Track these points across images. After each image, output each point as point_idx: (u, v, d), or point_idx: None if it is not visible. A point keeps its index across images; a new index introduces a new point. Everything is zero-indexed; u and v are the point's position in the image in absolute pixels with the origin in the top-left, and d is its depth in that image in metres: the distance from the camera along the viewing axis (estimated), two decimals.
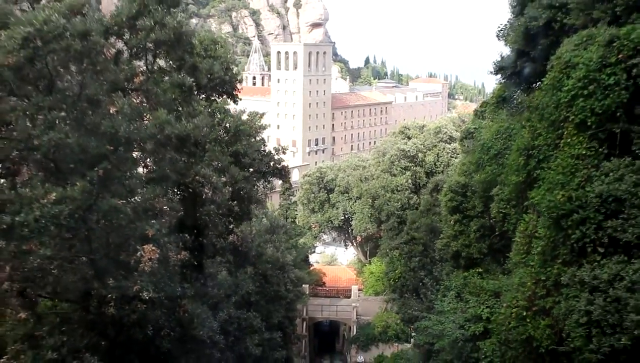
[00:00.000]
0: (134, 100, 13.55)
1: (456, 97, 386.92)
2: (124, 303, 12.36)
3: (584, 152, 14.76)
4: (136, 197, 12.37)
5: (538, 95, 17.81)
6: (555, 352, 14.99)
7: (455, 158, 73.43)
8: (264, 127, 29.07)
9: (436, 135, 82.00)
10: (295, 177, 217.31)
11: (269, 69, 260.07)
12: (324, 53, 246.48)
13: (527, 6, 20.75)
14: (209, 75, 21.51)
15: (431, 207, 40.23)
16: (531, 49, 20.69)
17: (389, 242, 69.69)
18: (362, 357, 62.63)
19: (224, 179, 18.28)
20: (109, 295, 11.99)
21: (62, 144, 10.63)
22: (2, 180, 11.59)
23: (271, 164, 27.53)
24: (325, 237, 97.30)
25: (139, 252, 12.18)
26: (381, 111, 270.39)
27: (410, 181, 77.34)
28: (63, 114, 11.28)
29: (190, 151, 14.68)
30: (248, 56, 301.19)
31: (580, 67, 14.82)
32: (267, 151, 28.14)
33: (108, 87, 12.11)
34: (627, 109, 14.41)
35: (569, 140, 15.10)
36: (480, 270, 29.43)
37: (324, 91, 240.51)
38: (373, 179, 79.75)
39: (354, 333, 66.71)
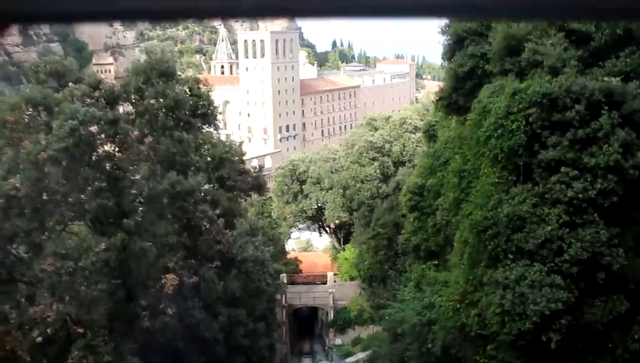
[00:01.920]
0: (145, 154, 17.47)
1: (424, 76, 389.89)
2: (153, 317, 16.45)
3: (496, 180, 19.10)
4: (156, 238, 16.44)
5: (466, 127, 22.12)
6: (482, 335, 19.45)
7: (420, 147, 77.98)
8: (243, 154, 32.96)
9: (401, 126, 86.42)
10: (267, 164, 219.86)
11: (237, 57, 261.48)
12: (291, 40, 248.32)
13: (456, 54, 25.06)
14: (195, 112, 25.38)
15: (394, 205, 44.63)
16: (461, 87, 24.97)
17: (361, 229, 74.25)
18: (339, 340, 66.93)
19: (217, 212, 22.36)
20: (143, 312, 16.06)
21: (104, 206, 14.58)
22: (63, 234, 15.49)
23: (249, 180, 31.59)
24: (300, 225, 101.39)
25: (163, 280, 16.32)
26: (350, 95, 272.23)
27: (378, 171, 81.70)
28: (104, 184, 15.29)
29: (195, 200, 18.74)
30: (215, 45, 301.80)
31: (492, 114, 19.12)
32: (245, 169, 32.20)
33: (132, 158, 16.10)
34: (528, 147, 18.74)
35: (486, 170, 19.46)
36: (436, 262, 33.86)
37: (292, 78, 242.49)
38: (343, 170, 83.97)
39: (332, 317, 70.90)
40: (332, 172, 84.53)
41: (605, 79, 18.75)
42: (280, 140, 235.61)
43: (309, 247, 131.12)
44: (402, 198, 37.72)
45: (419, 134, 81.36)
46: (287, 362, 63.50)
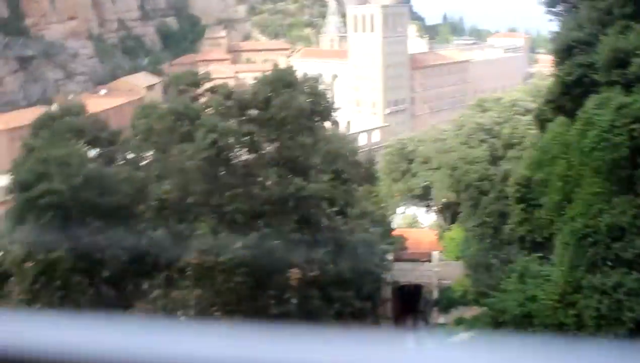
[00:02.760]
0: (272, 159, 19.69)
1: (538, 51, 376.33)
2: (278, 305, 18.78)
3: (598, 190, 20.09)
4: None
5: (571, 134, 23.05)
6: (578, 334, 20.64)
7: (531, 130, 77.21)
8: (356, 149, 34.81)
9: (512, 108, 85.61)
10: (375, 138, 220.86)
11: (346, 30, 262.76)
12: (401, 14, 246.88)
13: (564, 62, 25.74)
14: (313, 110, 27.41)
15: (500, 194, 45.41)
16: (568, 93, 25.61)
17: (468, 210, 74.84)
18: (443, 319, 68.24)
19: (335, 209, 24.47)
20: (271, 301, 18.43)
21: (240, 209, 16.94)
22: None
23: (362, 171, 33.54)
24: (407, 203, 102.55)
25: (288, 273, 18.63)
26: (460, 70, 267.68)
27: (487, 153, 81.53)
28: (240, 190, 17.62)
29: (317, 201, 20.92)
30: (324, 18, 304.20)
31: (597, 126, 20.04)
32: (358, 161, 34.15)
33: (262, 164, 18.33)
34: (630, 160, 19.58)
35: (588, 179, 20.47)
36: (541, 255, 34.72)
37: (402, 52, 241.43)
38: (452, 150, 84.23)
39: (435, 296, 72.25)
40: (440, 153, 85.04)
41: None
42: (389, 114, 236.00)
43: (415, 222, 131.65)
44: (510, 189, 38.55)
45: (530, 117, 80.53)
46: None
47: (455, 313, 67.72)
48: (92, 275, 18.86)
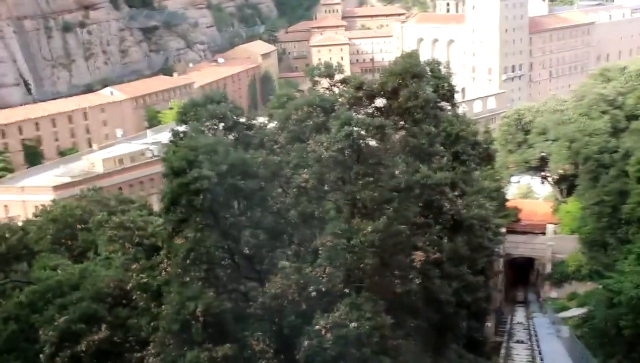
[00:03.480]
0: (399, 146, 21.18)
1: None
2: (403, 284, 20.53)
3: None
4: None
5: None
6: None
7: None
8: (476, 130, 35.72)
9: (638, 77, 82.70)
10: (491, 105, 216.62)
11: None
12: None
13: None
14: (435, 91, 28.47)
15: (620, 172, 44.93)
16: None
17: (586, 184, 73.67)
18: (555, 293, 68.17)
19: (456, 193, 25.80)
20: (396, 281, 20.19)
21: (371, 196, 18.76)
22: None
23: (481, 151, 34.46)
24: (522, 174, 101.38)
25: (413, 255, 20.26)
26: (583, 33, 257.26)
27: (609, 125, 79.37)
28: (370, 178, 19.33)
29: (441, 188, 22.33)
30: None
31: None
32: (477, 141, 35.08)
33: (390, 153, 19.92)
34: None
35: None
36: None
37: (521, 15, 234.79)
38: (571, 122, 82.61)
39: (549, 270, 72.00)
40: (558, 124, 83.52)
41: None
42: (506, 80, 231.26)
43: (529, 193, 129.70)
44: (631, 168, 38.49)
45: None
46: (502, 310, 66.11)
47: (568, 288, 67.51)
48: (232, 252, 21.25)
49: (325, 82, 23.63)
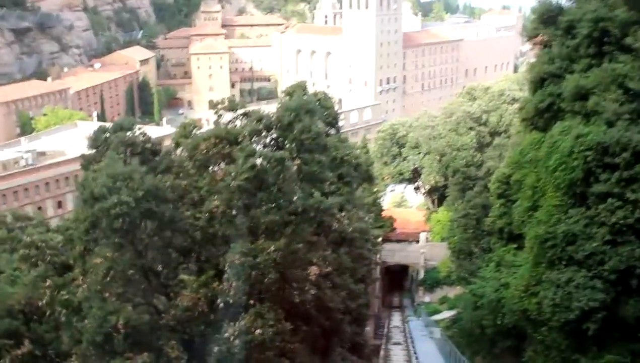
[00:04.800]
0: (295, 174, 24.16)
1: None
2: (300, 295, 23.59)
3: (558, 203, 24.83)
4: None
5: (540, 151, 27.77)
6: (538, 319, 25.58)
7: (516, 119, 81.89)
8: (357, 154, 39.43)
9: (500, 97, 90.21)
10: (367, 116, 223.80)
11: (341, 6, 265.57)
12: None
13: (537, 90, 30.31)
14: (324, 120, 31.91)
15: (483, 188, 50.26)
16: (541, 115, 30.38)
17: (455, 194, 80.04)
18: (428, 298, 73.47)
19: (343, 214, 29.15)
20: (294, 292, 23.19)
21: (273, 220, 21.71)
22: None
23: (362, 173, 38.16)
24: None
25: (308, 270, 23.38)
26: (452, 48, 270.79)
27: (474, 140, 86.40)
28: (272, 204, 22.26)
29: (331, 211, 25.59)
30: None
31: (560, 151, 24.76)
32: (359, 163, 38.77)
33: (289, 181, 22.86)
34: (584, 180, 24.32)
35: (550, 194, 25.26)
36: (516, 245, 39.63)
37: (395, 30, 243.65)
38: (441, 137, 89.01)
39: (422, 276, 77.43)
40: (430, 139, 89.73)
41: None
42: (381, 92, 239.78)
43: (403, 201, 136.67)
44: (492, 185, 43.31)
45: (516, 105, 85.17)
46: (379, 315, 70.54)
47: (439, 292, 73.15)
48: (145, 270, 23.57)
49: (228, 115, 26.36)
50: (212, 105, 27.01)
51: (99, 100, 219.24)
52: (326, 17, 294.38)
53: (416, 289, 79.26)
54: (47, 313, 25.23)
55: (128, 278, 22.75)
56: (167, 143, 32.65)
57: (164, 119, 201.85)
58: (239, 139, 23.92)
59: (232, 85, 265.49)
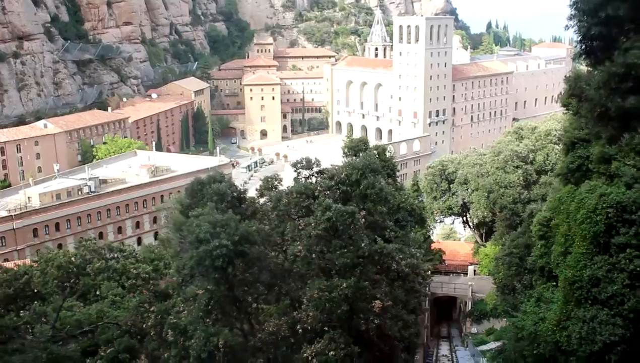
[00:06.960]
0: (361, 224, 29.15)
1: (581, 62, 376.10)
2: (365, 324, 28.44)
3: (584, 251, 29.25)
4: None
5: (571, 206, 32.23)
6: (568, 350, 29.92)
7: (562, 158, 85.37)
8: (414, 202, 44.38)
9: (546, 137, 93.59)
10: (416, 147, 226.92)
11: (391, 39, 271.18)
12: (445, 25, 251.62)
13: (569, 153, 34.92)
14: (383, 171, 36.77)
15: (526, 229, 54.36)
16: (572, 175, 34.98)
17: (502, 230, 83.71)
18: (475, 329, 76.92)
19: (401, 256, 34.04)
20: (361, 321, 28.11)
21: (345, 263, 26.73)
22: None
23: (416, 217, 42.92)
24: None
25: (373, 303, 28.43)
26: (502, 81, 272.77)
27: (521, 178, 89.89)
28: (345, 249, 27.29)
29: (392, 255, 30.67)
30: (370, 26, 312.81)
31: (585, 207, 29.25)
32: (414, 208, 43.67)
33: (357, 228, 27.92)
34: (606, 232, 28.74)
35: (578, 242, 29.72)
36: (555, 283, 43.67)
37: (445, 63, 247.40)
38: (489, 174, 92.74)
39: (469, 307, 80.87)
40: (478, 176, 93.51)
41: None
42: (430, 124, 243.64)
43: (452, 233, 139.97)
44: (533, 227, 47.50)
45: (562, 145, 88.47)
46: (428, 345, 74.17)
47: (486, 324, 76.52)
48: (236, 301, 28.90)
49: (305, 172, 31.60)
50: (293, 164, 32.38)
51: (156, 129, 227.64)
52: (377, 49, 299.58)
53: (464, 320, 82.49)
54: (152, 333, 30.56)
55: (223, 307, 27.99)
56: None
57: (217, 148, 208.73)
58: (316, 194, 29.06)
59: (284, 116, 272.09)
